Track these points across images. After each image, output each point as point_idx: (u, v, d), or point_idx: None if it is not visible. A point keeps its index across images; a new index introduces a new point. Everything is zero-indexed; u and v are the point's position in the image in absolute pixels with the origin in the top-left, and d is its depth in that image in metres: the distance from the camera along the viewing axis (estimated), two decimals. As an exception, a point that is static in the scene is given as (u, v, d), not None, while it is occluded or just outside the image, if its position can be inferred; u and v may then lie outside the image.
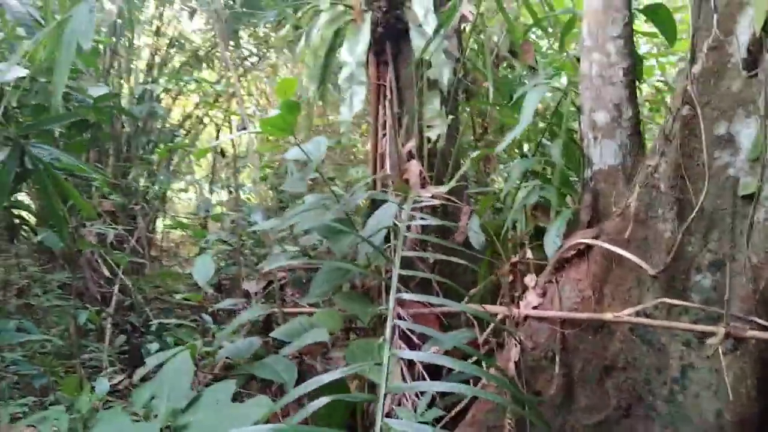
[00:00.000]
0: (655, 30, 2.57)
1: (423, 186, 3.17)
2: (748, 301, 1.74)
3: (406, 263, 2.26)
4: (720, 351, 1.78)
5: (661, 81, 3.98)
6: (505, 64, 4.04)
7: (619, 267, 2.08)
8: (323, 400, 1.36)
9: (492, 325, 2.25)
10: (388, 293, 2.85)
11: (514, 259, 2.52)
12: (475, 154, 3.01)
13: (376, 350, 2.29)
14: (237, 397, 2.39)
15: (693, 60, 1.95)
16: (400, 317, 1.94)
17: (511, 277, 2.54)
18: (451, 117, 3.24)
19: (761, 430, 1.70)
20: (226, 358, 2.73)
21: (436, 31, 3.02)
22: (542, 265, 2.39)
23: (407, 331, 1.94)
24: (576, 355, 2.11)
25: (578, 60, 2.39)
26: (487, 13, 3.55)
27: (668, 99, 3.69)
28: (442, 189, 2.79)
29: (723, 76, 1.90)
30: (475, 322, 2.47)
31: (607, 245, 2.00)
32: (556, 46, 3.45)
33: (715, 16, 1.89)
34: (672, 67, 4.10)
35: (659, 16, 2.48)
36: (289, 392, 1.60)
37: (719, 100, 1.91)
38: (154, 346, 3.18)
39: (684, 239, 1.96)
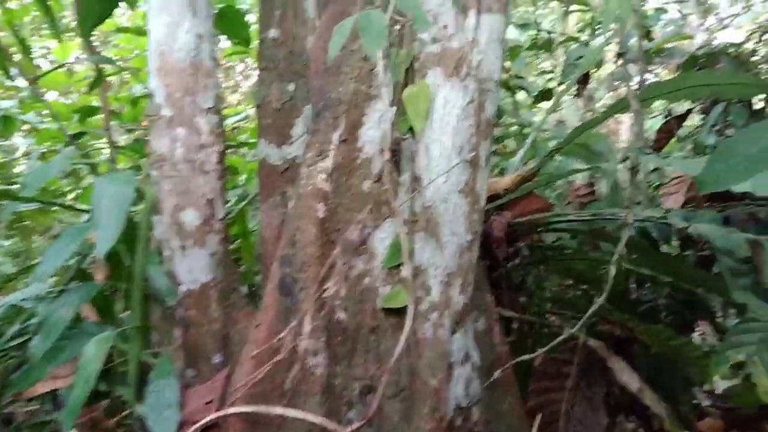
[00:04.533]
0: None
1: None
2: (438, 430, 1.53)
3: None
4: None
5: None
6: None
7: (262, 427, 1.50)
8: None
9: None
10: None
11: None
12: None
13: None
14: None
15: (321, 153, 1.62)
16: None
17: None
18: None
19: None
20: None
21: None
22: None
23: None
24: None
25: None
26: None
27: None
28: None
29: (354, 174, 1.64)
30: None
31: (268, 410, 1.40)
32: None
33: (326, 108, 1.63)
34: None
35: (228, 19, 2.01)
36: None
37: (351, 201, 1.64)
38: None
39: (330, 370, 1.59)
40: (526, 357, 1.58)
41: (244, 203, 2.51)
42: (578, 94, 3.66)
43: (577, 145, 2.39)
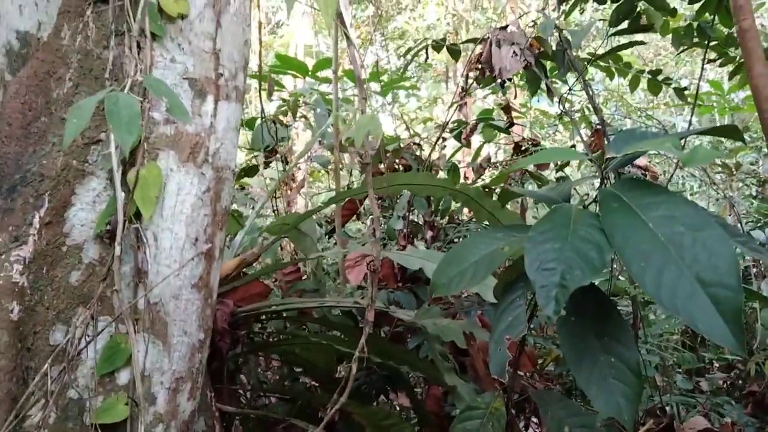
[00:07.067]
0: None
1: None
2: None
3: None
4: None
5: None
6: None
7: None
8: None
9: None
10: None
11: None
12: None
13: None
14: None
15: (19, 239, 1.31)
16: None
17: None
18: None
19: None
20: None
21: None
22: None
23: None
24: None
25: None
26: None
27: None
28: None
29: (58, 264, 1.37)
30: None
31: None
32: None
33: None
34: None
35: None
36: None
37: (55, 297, 1.36)
38: None
39: None
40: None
41: None
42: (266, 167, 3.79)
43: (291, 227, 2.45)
